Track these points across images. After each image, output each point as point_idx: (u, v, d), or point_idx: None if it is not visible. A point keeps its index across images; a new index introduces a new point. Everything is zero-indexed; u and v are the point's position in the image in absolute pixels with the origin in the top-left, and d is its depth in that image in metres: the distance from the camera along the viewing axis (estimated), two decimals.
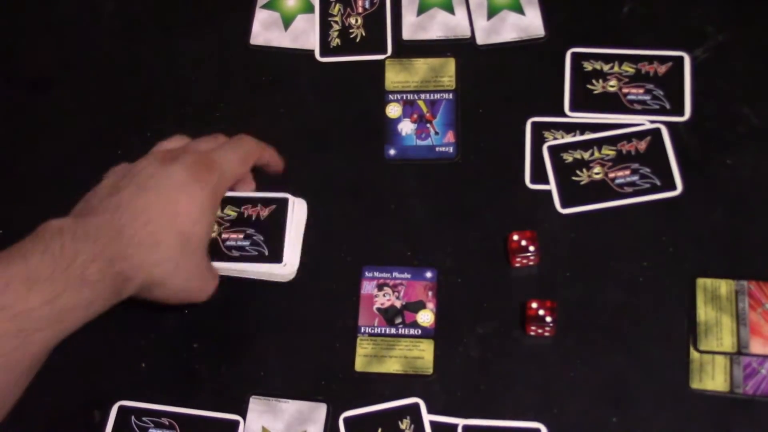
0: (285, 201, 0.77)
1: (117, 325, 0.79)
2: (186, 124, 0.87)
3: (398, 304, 0.78)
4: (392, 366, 0.76)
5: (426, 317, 0.77)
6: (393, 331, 0.77)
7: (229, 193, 0.76)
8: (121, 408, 0.76)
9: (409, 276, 0.79)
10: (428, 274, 0.79)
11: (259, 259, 0.75)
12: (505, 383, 0.75)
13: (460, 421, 0.73)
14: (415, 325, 0.77)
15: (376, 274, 0.79)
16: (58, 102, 0.90)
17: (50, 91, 0.90)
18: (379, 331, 0.77)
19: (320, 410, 0.75)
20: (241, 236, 0.76)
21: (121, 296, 0.67)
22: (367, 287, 0.79)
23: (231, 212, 0.76)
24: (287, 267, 0.76)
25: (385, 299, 0.78)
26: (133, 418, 0.75)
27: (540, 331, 0.75)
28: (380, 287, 0.78)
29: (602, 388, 0.74)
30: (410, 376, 0.76)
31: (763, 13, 0.87)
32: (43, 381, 0.77)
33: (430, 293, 0.78)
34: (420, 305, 0.78)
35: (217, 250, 0.76)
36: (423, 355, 0.76)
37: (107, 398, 0.76)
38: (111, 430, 0.75)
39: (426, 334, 0.77)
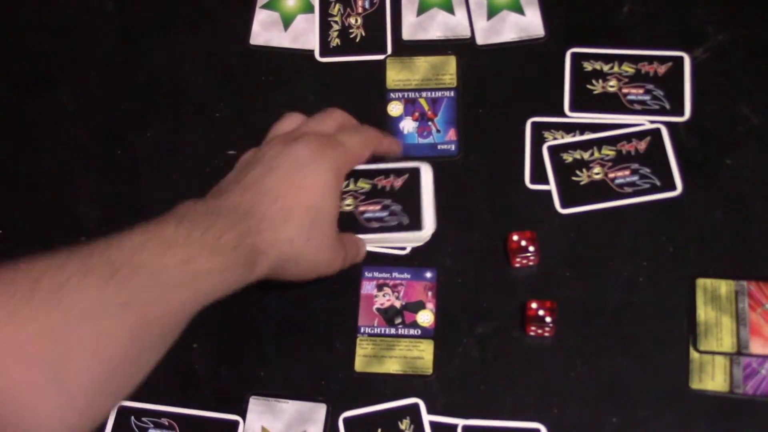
0: (417, 170, 0.79)
1: None
2: (186, 124, 0.88)
3: (398, 304, 0.78)
4: (392, 366, 0.76)
5: (426, 317, 0.77)
6: (393, 331, 0.77)
7: (361, 167, 0.78)
8: (120, 408, 0.76)
9: (408, 276, 0.79)
10: (428, 274, 0.79)
11: (400, 228, 0.77)
12: (505, 383, 0.75)
13: (460, 421, 0.73)
14: (414, 325, 0.77)
15: (376, 274, 0.79)
16: (58, 102, 0.90)
17: (50, 91, 0.90)
18: (378, 332, 0.77)
19: (320, 410, 0.75)
20: (378, 207, 0.77)
21: (255, 271, 0.67)
22: (367, 287, 0.79)
23: (365, 185, 0.77)
24: (427, 231, 0.77)
25: (384, 299, 0.78)
26: (132, 418, 0.76)
27: (540, 331, 0.75)
28: (380, 287, 0.78)
29: (602, 388, 0.74)
30: (410, 377, 0.76)
31: (763, 13, 0.87)
32: None
33: (429, 293, 0.78)
34: (420, 305, 0.78)
35: (356, 223, 0.77)
36: (423, 355, 0.76)
37: None
38: (111, 430, 0.75)
39: (426, 334, 0.77)
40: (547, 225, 0.80)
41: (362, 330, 0.77)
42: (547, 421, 0.73)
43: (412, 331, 0.77)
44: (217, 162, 0.85)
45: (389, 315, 0.78)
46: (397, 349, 0.77)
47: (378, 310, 0.78)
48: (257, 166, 0.71)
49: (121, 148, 0.87)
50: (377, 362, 0.76)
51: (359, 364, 0.76)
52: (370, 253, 0.80)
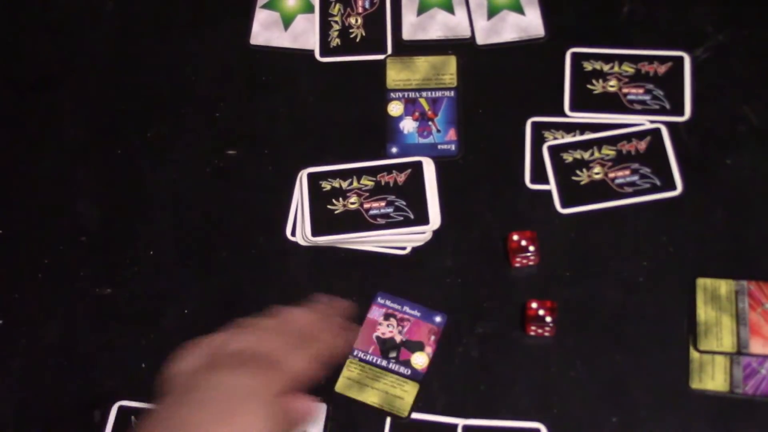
0: (420, 164, 0.79)
1: (117, 325, 0.79)
2: (186, 124, 0.88)
3: (398, 338, 0.77)
4: (370, 397, 0.75)
5: (420, 360, 0.76)
6: (384, 363, 0.76)
7: (363, 164, 0.79)
8: (121, 408, 0.76)
9: (418, 314, 0.78)
10: (437, 319, 0.77)
11: (406, 223, 0.77)
12: (505, 383, 0.75)
13: (460, 421, 0.73)
14: (407, 364, 0.76)
15: (389, 302, 0.78)
16: (58, 102, 0.90)
17: (50, 91, 0.90)
18: (370, 360, 0.76)
19: (320, 410, 0.75)
20: (383, 204, 0.78)
21: None
22: (375, 312, 0.78)
23: (368, 182, 0.78)
24: (433, 225, 0.78)
25: (387, 330, 0.77)
26: (133, 418, 0.75)
27: (540, 331, 0.75)
28: (387, 317, 0.78)
29: (602, 388, 0.74)
30: (384, 413, 0.74)
31: (763, 13, 0.87)
32: (43, 381, 0.78)
33: (432, 338, 0.77)
34: (419, 346, 0.76)
35: (362, 221, 0.77)
36: (404, 396, 0.75)
37: (107, 398, 0.76)
38: (111, 430, 0.75)
39: (414, 376, 0.75)
40: (547, 225, 0.80)
41: (355, 353, 0.76)
42: (547, 421, 0.73)
43: (402, 369, 0.76)
44: (217, 162, 0.85)
45: (386, 347, 0.76)
46: (382, 382, 0.75)
47: (377, 338, 0.77)
48: (192, 397, 0.62)
49: (121, 148, 0.87)
50: (358, 388, 0.75)
51: (341, 385, 0.75)
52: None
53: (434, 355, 0.76)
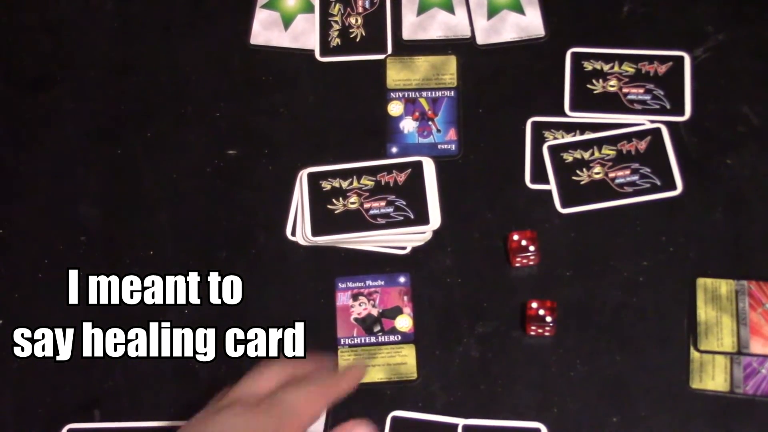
0: (420, 164, 0.79)
1: (116, 324, 0.79)
2: (186, 124, 0.88)
3: (375, 312, 0.77)
4: (376, 375, 0.75)
5: (404, 322, 0.76)
6: (373, 339, 0.76)
7: (363, 163, 0.79)
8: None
9: (383, 283, 0.78)
10: (401, 279, 0.78)
11: (406, 223, 0.77)
12: (505, 383, 0.75)
13: (460, 421, 0.73)
14: (394, 331, 0.76)
15: (350, 284, 0.78)
16: (58, 102, 0.90)
17: (50, 91, 0.90)
18: (359, 341, 0.76)
19: None
20: (383, 204, 0.78)
21: None
22: (342, 298, 0.78)
23: (368, 182, 0.78)
24: (433, 225, 0.78)
25: (361, 309, 0.77)
26: None
27: (540, 331, 0.75)
28: (355, 297, 0.78)
29: (602, 388, 0.74)
30: (395, 384, 0.75)
31: (763, 13, 0.87)
32: (43, 381, 0.78)
33: (405, 298, 0.77)
34: (397, 311, 0.77)
35: (362, 221, 0.77)
36: (406, 360, 0.75)
37: (107, 399, 0.76)
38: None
39: (406, 339, 0.76)
40: (547, 225, 0.80)
41: (342, 342, 0.76)
42: (547, 421, 0.73)
43: (392, 338, 0.76)
44: (217, 162, 0.85)
45: (368, 324, 0.77)
46: (380, 357, 0.76)
47: (356, 320, 0.77)
48: None
49: (121, 148, 0.87)
50: None
51: None
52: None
53: (414, 311, 0.76)
